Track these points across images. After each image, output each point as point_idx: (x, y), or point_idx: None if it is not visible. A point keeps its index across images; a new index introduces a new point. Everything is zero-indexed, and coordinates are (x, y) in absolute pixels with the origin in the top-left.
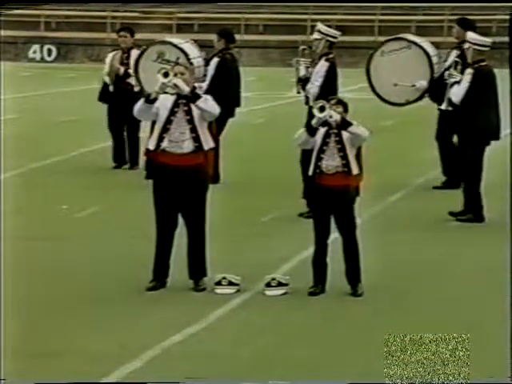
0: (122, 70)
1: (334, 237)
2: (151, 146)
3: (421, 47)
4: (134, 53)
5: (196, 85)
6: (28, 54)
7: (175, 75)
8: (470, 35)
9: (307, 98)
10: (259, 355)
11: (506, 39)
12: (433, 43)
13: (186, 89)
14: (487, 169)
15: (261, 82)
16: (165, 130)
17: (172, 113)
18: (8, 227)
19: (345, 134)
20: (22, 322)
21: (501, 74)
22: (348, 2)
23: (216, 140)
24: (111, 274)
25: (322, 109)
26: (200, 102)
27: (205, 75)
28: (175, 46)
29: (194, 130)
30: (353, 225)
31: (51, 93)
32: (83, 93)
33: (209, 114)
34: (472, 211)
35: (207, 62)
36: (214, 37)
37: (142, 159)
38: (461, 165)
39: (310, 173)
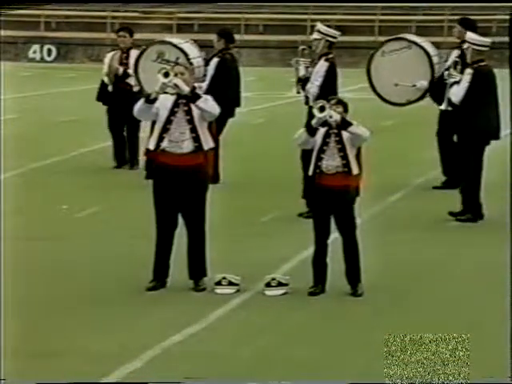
0: (121, 70)
1: (334, 237)
2: (151, 146)
3: (421, 47)
4: (133, 53)
5: (196, 85)
6: (28, 53)
7: (175, 75)
8: (469, 35)
9: (307, 97)
10: (259, 355)
11: (506, 39)
12: (433, 43)
13: (186, 89)
14: (487, 169)
15: (261, 82)
16: (165, 129)
17: (172, 113)
18: (8, 227)
19: (345, 134)
20: (22, 322)
21: (501, 74)
22: (348, 2)
23: (216, 140)
24: (111, 274)
25: (321, 109)
26: (200, 102)
27: (205, 75)
28: (175, 46)
29: (193, 130)
30: (353, 225)
31: (51, 93)
32: (83, 93)
33: (209, 114)
34: (470, 211)
35: (207, 62)
36: (213, 37)
37: (142, 159)
38: (460, 165)
39: (310, 173)
